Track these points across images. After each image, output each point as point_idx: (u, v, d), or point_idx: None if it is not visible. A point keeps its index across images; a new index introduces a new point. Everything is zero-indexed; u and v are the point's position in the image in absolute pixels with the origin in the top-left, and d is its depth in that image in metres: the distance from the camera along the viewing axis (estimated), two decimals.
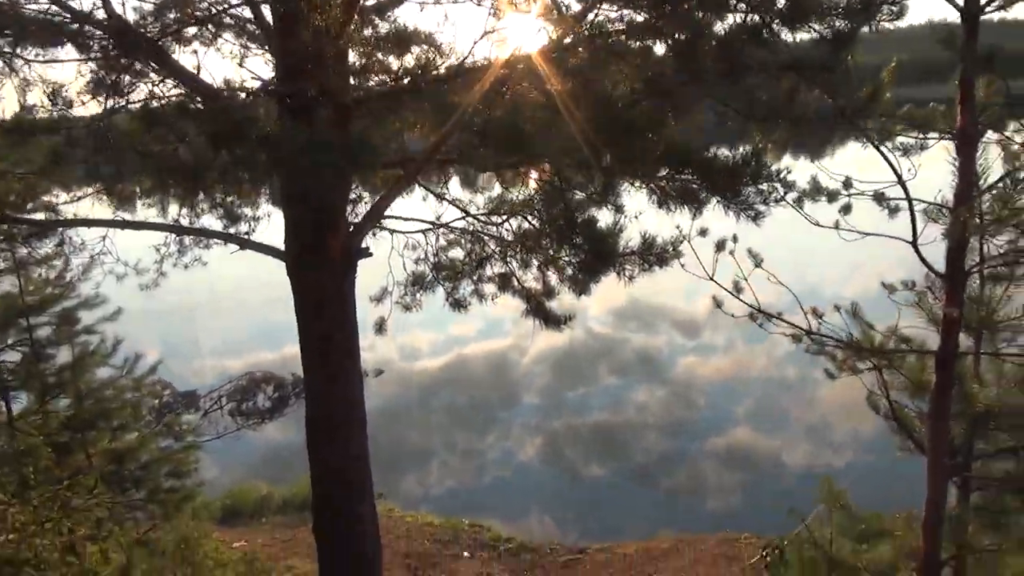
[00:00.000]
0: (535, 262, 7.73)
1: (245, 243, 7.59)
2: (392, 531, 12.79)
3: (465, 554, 12.40)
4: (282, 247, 7.08)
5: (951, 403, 5.29)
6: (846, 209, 5.67)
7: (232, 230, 8.27)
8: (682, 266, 6.38)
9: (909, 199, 5.21)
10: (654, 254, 6.52)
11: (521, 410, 19.61)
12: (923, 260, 5.12)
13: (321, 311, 7.04)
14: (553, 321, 7.93)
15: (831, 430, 17.39)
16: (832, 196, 5.75)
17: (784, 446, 16.83)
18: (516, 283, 7.99)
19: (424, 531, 13.02)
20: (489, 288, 8.29)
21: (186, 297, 29.02)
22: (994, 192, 5.07)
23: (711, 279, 5.86)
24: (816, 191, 5.79)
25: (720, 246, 5.83)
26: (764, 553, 10.87)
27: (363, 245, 7.27)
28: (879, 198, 5.42)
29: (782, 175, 5.47)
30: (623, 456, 16.97)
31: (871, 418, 17.47)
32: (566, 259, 7.34)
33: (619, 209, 6.38)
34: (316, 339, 7.16)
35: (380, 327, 8.52)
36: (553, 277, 7.78)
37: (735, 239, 5.97)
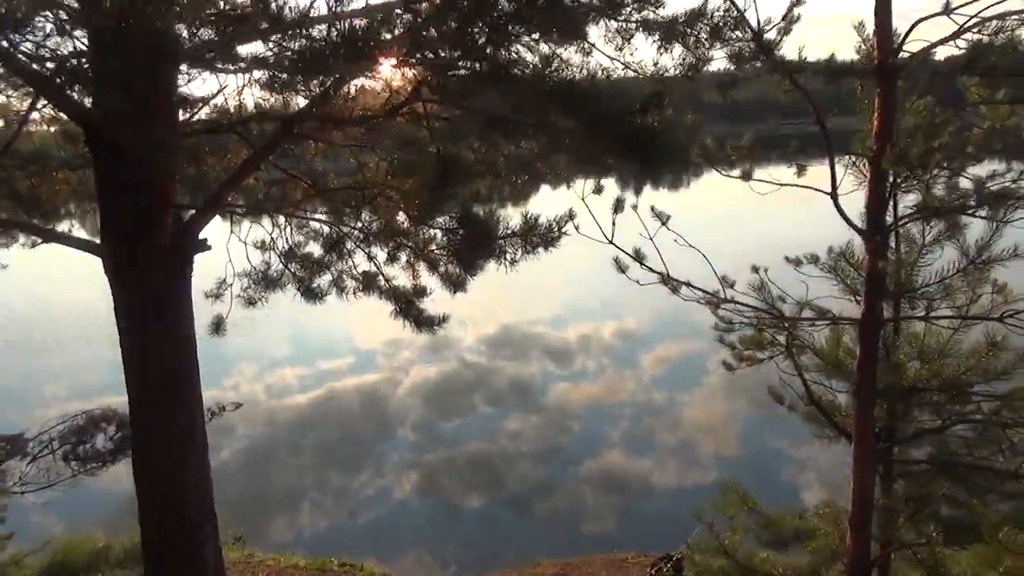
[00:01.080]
0: (403, 256, 6.43)
1: (48, 234, 5.96)
2: None
3: None
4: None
5: (876, 378, 4.32)
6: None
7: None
8: (576, 229, 5.19)
9: (829, 143, 4.25)
10: (538, 235, 5.36)
11: (395, 444, 18.43)
12: (842, 214, 4.18)
13: (146, 319, 5.52)
14: (425, 322, 6.68)
15: (698, 449, 17.20)
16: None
17: (655, 467, 16.42)
18: (383, 280, 6.66)
19: (288, 574, 11.24)
20: (351, 282, 6.88)
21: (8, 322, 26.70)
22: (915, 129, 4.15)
23: (610, 242, 4.68)
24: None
25: (618, 207, 4.67)
26: (653, 571, 9.82)
27: (201, 237, 5.81)
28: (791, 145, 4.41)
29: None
30: (500, 485, 16.15)
31: (735, 437, 17.43)
32: (438, 249, 6.07)
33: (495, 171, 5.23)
34: (139, 353, 5.63)
35: (218, 327, 6.98)
36: (424, 272, 6.49)
37: (636, 205, 4.84)
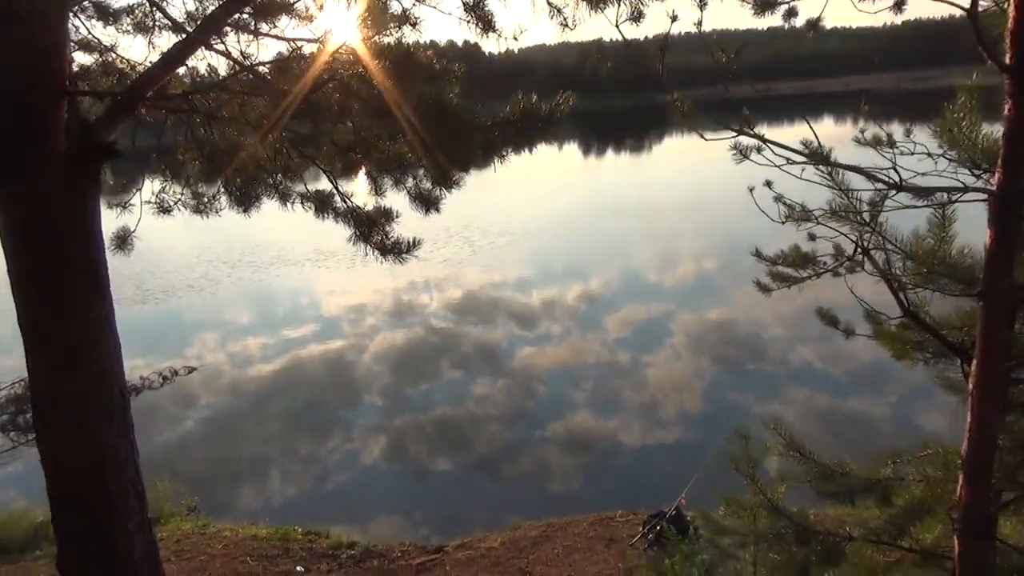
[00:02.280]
0: (363, 167, 4.98)
1: None
2: (204, 550, 9.58)
3: (298, 568, 9.31)
4: None
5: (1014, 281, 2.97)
6: None
7: None
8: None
9: None
10: (540, 117, 3.99)
11: (362, 410, 17.14)
12: (979, 33, 2.75)
13: (35, 242, 4.01)
14: (391, 249, 5.23)
15: (665, 408, 16.13)
16: None
17: (623, 426, 15.38)
18: (339, 200, 5.20)
19: (246, 546, 9.83)
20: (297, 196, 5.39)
21: None
22: None
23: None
24: None
25: None
26: (647, 529, 8.57)
27: (111, 138, 4.29)
28: None
29: None
30: (469, 448, 15.04)
31: (700, 395, 16.47)
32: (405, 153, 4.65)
33: None
34: (30, 288, 4.13)
35: (123, 241, 5.45)
36: (389, 186, 5.04)
37: None
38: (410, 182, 5.17)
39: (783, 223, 3.82)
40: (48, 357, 4.32)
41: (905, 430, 13.80)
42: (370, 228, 5.43)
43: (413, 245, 5.48)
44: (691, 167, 58.76)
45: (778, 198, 3.97)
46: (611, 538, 8.92)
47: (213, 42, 5.19)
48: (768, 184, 3.95)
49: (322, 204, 5.52)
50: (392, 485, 13.79)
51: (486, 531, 10.74)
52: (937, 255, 3.26)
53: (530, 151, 4.42)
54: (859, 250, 3.59)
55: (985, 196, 2.89)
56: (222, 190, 5.67)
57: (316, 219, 5.67)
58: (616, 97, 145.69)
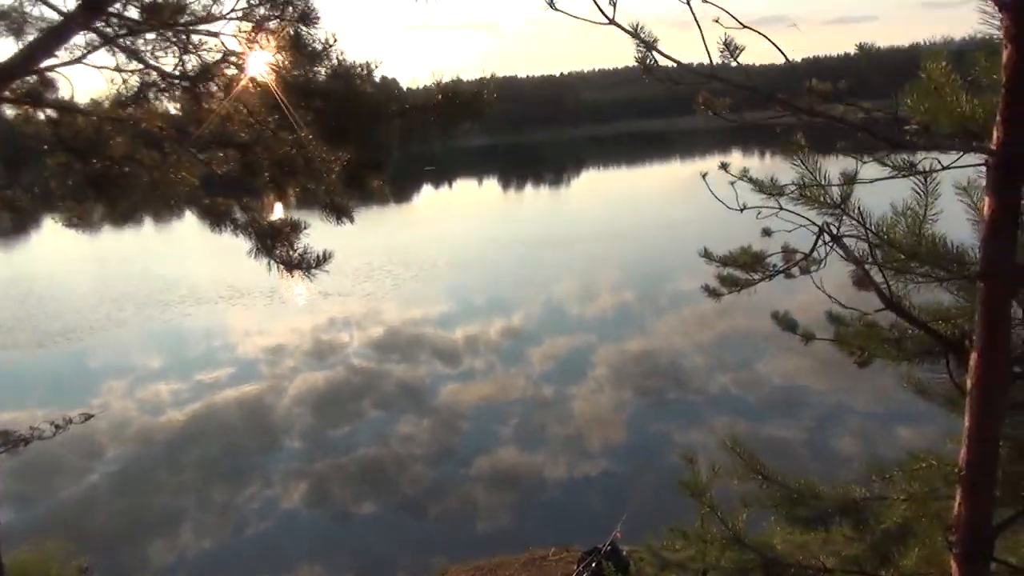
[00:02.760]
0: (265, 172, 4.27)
1: None
2: None
3: None
4: None
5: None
6: None
7: None
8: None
9: None
10: (464, 103, 3.39)
11: (282, 455, 16.14)
12: None
13: None
14: (298, 264, 4.48)
15: (591, 441, 15.68)
16: None
17: (547, 461, 14.91)
18: (238, 212, 4.45)
19: None
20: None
21: None
22: None
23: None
24: None
25: None
26: (582, 568, 7.88)
27: None
28: None
29: None
30: (393, 490, 14.29)
31: (626, 427, 16.06)
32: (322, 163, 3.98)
33: None
34: None
35: None
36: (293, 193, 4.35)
37: None
38: (320, 189, 4.47)
39: (742, 211, 3.27)
40: None
41: (820, 454, 13.79)
42: (273, 240, 4.68)
43: (323, 259, 4.77)
44: (608, 198, 59.50)
45: (743, 174, 3.42)
46: None
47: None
48: (723, 166, 3.40)
49: (218, 216, 4.74)
50: (314, 531, 12.95)
51: (414, 573, 9.92)
52: (921, 233, 2.76)
53: (452, 137, 3.80)
54: (825, 239, 3.06)
55: (982, 160, 2.38)
56: (96, 203, 4.84)
57: (212, 232, 4.86)
58: (533, 131, 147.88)
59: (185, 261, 42.57)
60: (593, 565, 7.90)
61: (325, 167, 4.26)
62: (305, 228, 4.93)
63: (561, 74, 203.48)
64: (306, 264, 4.75)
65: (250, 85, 4.59)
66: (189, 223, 64.77)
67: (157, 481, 15.18)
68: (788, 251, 3.66)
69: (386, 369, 21.15)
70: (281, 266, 4.75)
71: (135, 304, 31.31)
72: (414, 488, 14.24)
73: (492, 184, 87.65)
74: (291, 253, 4.78)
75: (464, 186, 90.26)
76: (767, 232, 3.46)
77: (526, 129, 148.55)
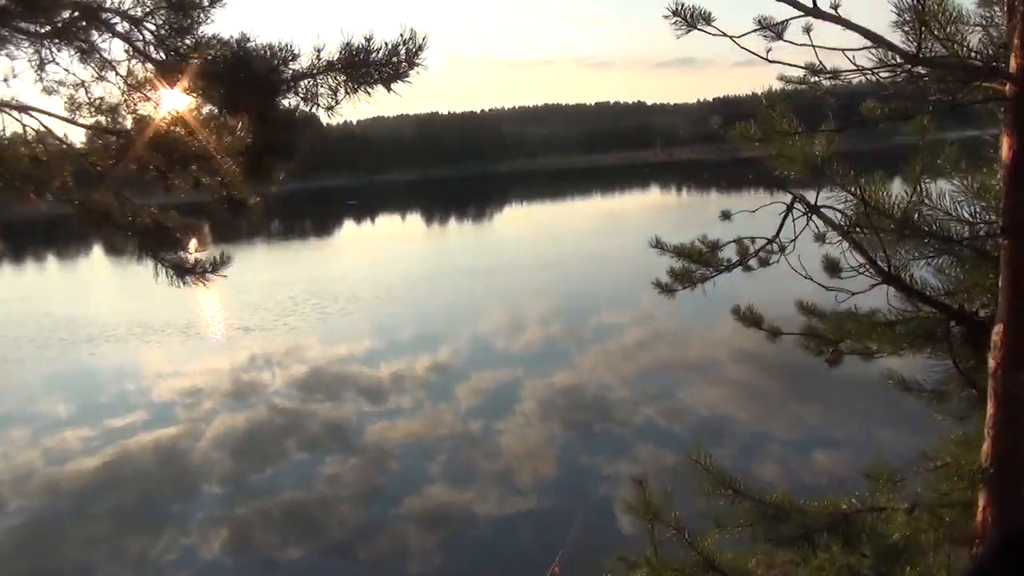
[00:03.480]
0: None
1: None
2: None
3: None
4: None
5: None
6: None
7: None
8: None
9: None
10: (375, 62, 3.07)
11: (201, 501, 15.16)
12: None
13: None
14: (189, 269, 4.02)
15: (521, 476, 15.30)
16: None
17: (476, 497, 14.46)
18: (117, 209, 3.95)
19: None
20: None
21: None
22: None
23: None
24: None
25: None
26: None
27: None
28: None
29: None
30: (320, 533, 13.53)
31: (555, 460, 15.83)
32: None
33: None
34: None
35: None
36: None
37: None
38: (215, 181, 4.01)
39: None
40: None
41: (767, 482, 13.66)
42: (160, 241, 4.16)
43: (220, 262, 4.23)
44: (532, 231, 60.07)
45: (726, 125, 3.19)
46: None
47: None
48: (719, 125, 3.18)
49: (88, 213, 4.18)
50: None
51: None
52: (920, 191, 2.56)
53: (363, 96, 3.41)
54: (795, 213, 2.85)
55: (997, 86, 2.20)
56: None
57: (90, 234, 4.31)
58: (454, 167, 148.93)
59: (92, 299, 40.59)
60: None
61: (221, 151, 3.83)
62: (202, 229, 4.45)
63: (481, 111, 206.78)
64: (199, 270, 4.24)
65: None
66: (95, 260, 62.30)
67: (64, 534, 13.97)
68: (744, 241, 3.44)
69: (310, 408, 20.34)
70: (171, 271, 4.23)
71: (35, 344, 29.27)
72: (342, 530, 13.59)
73: (415, 218, 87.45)
74: (183, 258, 4.26)
75: (387, 220, 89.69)
76: (726, 215, 3.24)
77: (447, 164, 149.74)
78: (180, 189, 4.17)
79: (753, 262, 3.56)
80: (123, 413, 20.49)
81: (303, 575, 12.11)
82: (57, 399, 22.37)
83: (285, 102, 3.66)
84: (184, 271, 4.20)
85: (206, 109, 4.05)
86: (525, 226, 69.27)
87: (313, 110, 3.52)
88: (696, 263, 3.69)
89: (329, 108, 3.49)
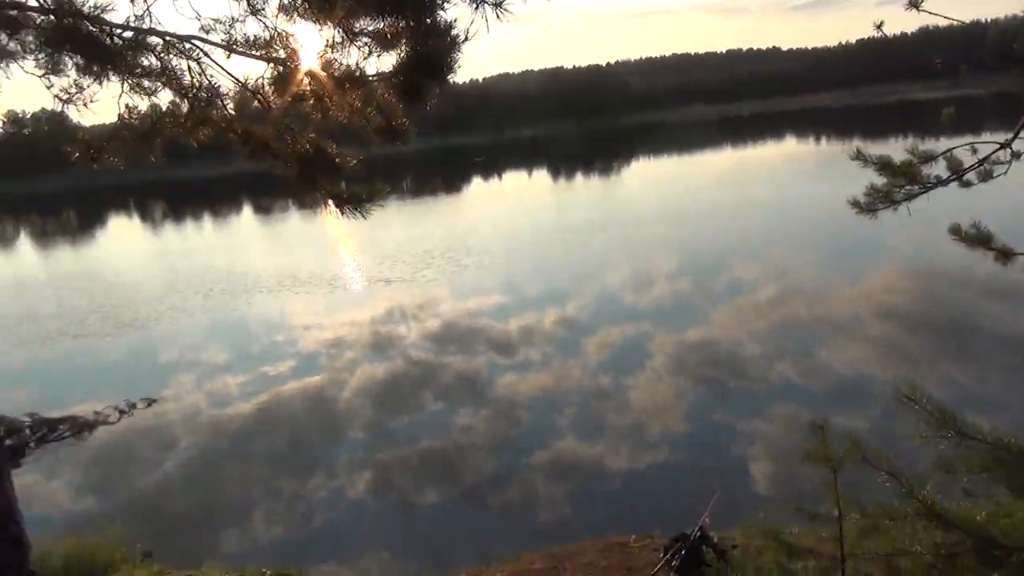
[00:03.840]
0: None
1: None
2: None
3: None
4: None
5: None
6: None
7: None
8: None
9: None
10: None
11: (345, 445, 15.86)
12: None
13: None
14: (351, 200, 3.97)
15: (653, 429, 14.94)
16: None
17: (608, 451, 14.23)
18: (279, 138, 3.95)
19: None
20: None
21: None
22: None
23: None
24: None
25: None
26: (670, 556, 7.21)
27: None
28: None
29: None
30: (455, 480, 13.86)
31: (680, 416, 15.39)
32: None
33: None
34: None
35: None
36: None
37: None
38: (369, 109, 3.93)
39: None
40: None
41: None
42: (320, 168, 4.12)
43: (375, 194, 4.17)
44: (665, 184, 58.50)
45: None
46: (629, 567, 7.65)
47: None
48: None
49: (250, 141, 4.21)
50: (379, 520, 12.67)
51: (482, 565, 9.48)
52: None
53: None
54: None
55: None
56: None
57: (250, 163, 4.37)
58: (581, 121, 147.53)
59: (246, 254, 43.46)
60: (682, 552, 7.25)
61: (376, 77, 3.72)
62: (359, 156, 4.39)
63: (607, 64, 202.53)
64: (356, 199, 4.19)
65: None
66: (245, 218, 66.46)
67: (226, 470, 15.16)
68: (953, 155, 2.95)
69: (445, 359, 20.86)
70: (330, 200, 4.22)
71: (200, 295, 31.79)
72: (476, 477, 13.87)
73: (541, 174, 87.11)
74: (341, 189, 4.23)
75: (513, 176, 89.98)
76: (948, 114, 2.75)
77: (573, 119, 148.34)
78: (336, 115, 4.16)
79: (972, 175, 3.09)
80: (275, 360, 21.88)
81: (438, 519, 12.42)
82: (219, 346, 24.22)
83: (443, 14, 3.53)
84: (342, 201, 4.20)
85: (360, 24, 3.97)
86: (655, 179, 67.54)
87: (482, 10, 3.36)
88: (903, 178, 3.26)
89: (497, 4, 3.32)
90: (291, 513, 13.04)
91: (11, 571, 3.85)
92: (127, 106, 4.36)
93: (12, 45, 4.28)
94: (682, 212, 42.51)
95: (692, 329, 21.12)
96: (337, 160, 4.21)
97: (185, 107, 4.35)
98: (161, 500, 14.10)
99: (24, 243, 69.76)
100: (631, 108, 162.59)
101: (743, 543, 6.87)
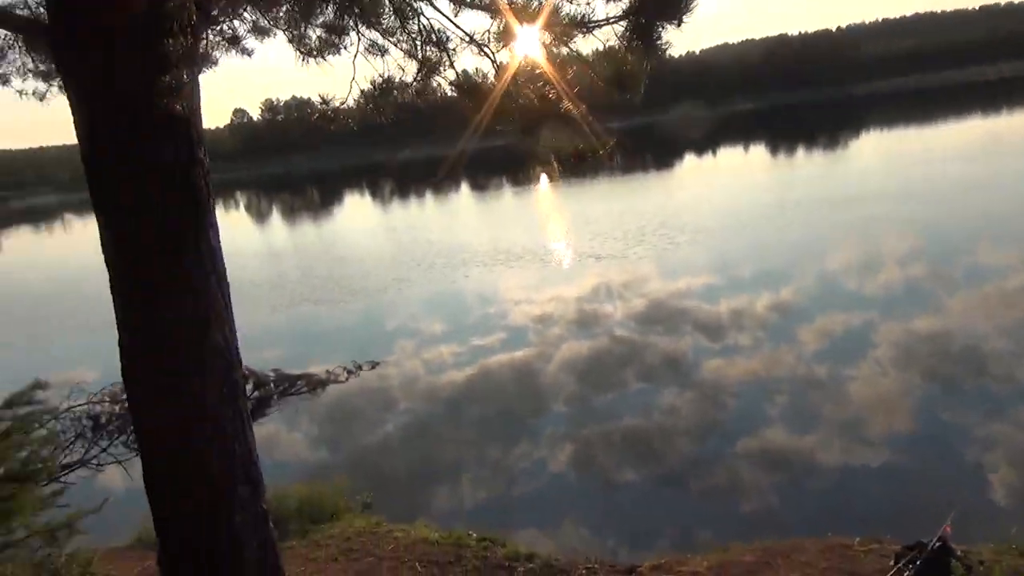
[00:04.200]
0: None
1: None
2: (372, 551, 8.60)
3: None
4: None
5: None
6: None
7: None
8: None
9: None
10: None
11: (550, 419, 16.01)
12: None
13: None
14: (582, 155, 3.77)
15: (869, 427, 13.57)
16: None
17: (821, 445, 13.12)
18: None
19: (416, 551, 8.75)
20: None
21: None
22: None
23: None
24: None
25: None
26: (903, 564, 6.42)
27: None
28: None
29: None
30: (657, 461, 13.48)
31: (909, 414, 13.75)
32: None
33: None
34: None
35: None
36: None
37: None
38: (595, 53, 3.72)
39: None
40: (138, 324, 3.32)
41: None
42: (545, 116, 3.96)
43: (610, 147, 3.93)
44: (896, 159, 53.04)
45: None
46: (853, 571, 6.91)
47: None
48: None
49: (470, 92, 4.18)
50: (578, 496, 12.64)
51: (683, 552, 9.04)
52: None
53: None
54: None
55: None
56: None
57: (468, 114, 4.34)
58: (806, 91, 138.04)
59: (463, 229, 45.63)
60: (918, 561, 6.42)
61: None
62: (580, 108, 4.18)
63: (838, 28, 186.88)
64: (589, 151, 3.99)
65: None
66: (464, 196, 69.60)
67: (439, 434, 15.91)
68: None
69: (653, 337, 20.40)
70: (562, 156, 4.04)
71: (422, 267, 33.89)
72: (679, 461, 13.40)
73: (759, 149, 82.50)
74: (568, 140, 4.05)
75: (729, 152, 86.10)
76: None
77: (798, 89, 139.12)
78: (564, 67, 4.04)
79: None
80: (488, 332, 22.66)
81: (639, 499, 12.16)
82: (437, 316, 25.57)
83: None
84: (576, 157, 4.07)
85: None
86: (888, 153, 61.31)
87: None
88: None
89: None
90: (496, 479, 13.38)
91: (249, 509, 4.17)
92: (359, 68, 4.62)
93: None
94: (916, 188, 38.31)
95: (927, 318, 18.92)
96: (562, 110, 4.07)
97: (414, 65, 4.48)
98: (380, 456, 15.09)
99: (275, 218, 78.36)
100: (864, 76, 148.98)
101: (992, 560, 5.93)
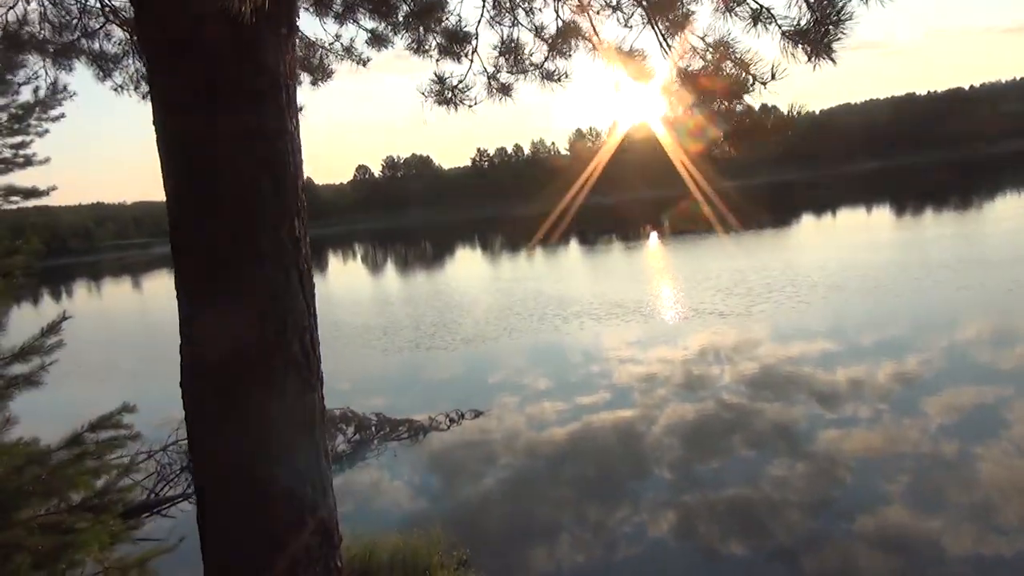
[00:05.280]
0: None
1: None
2: None
3: None
4: None
5: None
6: None
7: None
8: None
9: None
10: None
11: (651, 483, 15.67)
12: None
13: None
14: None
15: (1004, 513, 12.44)
16: None
17: (945, 528, 12.18)
18: None
19: None
20: None
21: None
22: None
23: None
24: None
25: None
26: None
27: None
28: None
29: None
30: (763, 534, 12.87)
31: None
32: None
33: None
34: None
35: None
36: None
37: None
38: None
39: None
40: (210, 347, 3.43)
41: None
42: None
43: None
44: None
45: None
46: None
47: None
48: None
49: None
50: (679, 565, 12.24)
51: None
52: None
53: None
54: None
55: None
56: None
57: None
58: (934, 152, 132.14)
59: (574, 281, 45.79)
60: None
61: None
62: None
63: (971, 87, 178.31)
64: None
65: None
66: (573, 249, 69.90)
67: (538, 491, 15.73)
68: None
69: (757, 407, 19.65)
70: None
71: (534, 318, 34.20)
72: (788, 537, 12.73)
73: (882, 209, 78.90)
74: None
75: (849, 212, 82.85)
76: None
77: (925, 150, 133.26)
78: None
79: None
80: (589, 392, 22.40)
81: (743, 573, 11.69)
82: (544, 368, 25.59)
83: None
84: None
85: None
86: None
87: None
88: None
89: None
90: (596, 542, 13.12)
91: (317, 564, 4.03)
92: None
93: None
94: None
95: None
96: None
97: None
98: (477, 510, 15.03)
99: (389, 268, 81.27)
100: (1002, 134, 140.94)
101: None
